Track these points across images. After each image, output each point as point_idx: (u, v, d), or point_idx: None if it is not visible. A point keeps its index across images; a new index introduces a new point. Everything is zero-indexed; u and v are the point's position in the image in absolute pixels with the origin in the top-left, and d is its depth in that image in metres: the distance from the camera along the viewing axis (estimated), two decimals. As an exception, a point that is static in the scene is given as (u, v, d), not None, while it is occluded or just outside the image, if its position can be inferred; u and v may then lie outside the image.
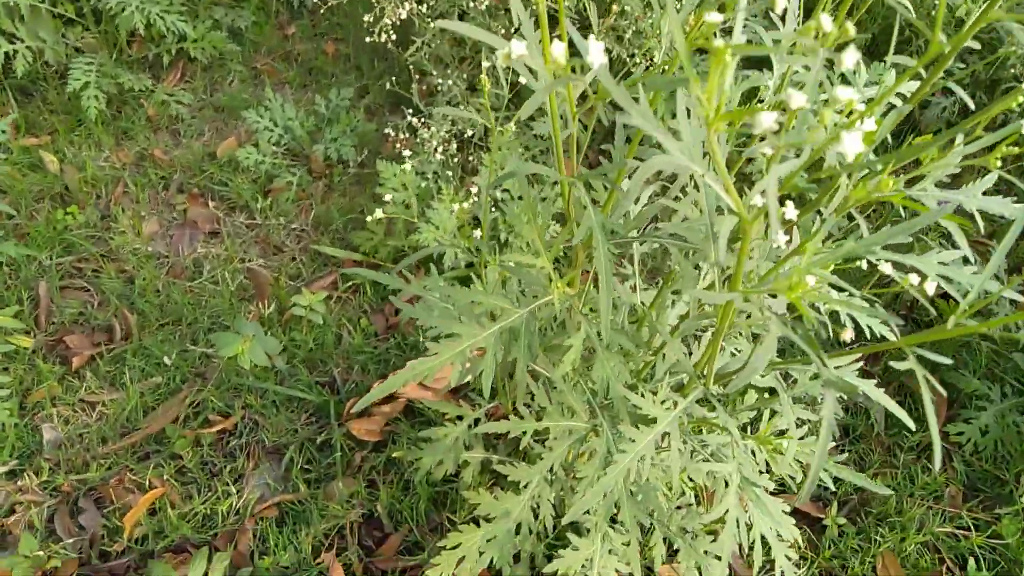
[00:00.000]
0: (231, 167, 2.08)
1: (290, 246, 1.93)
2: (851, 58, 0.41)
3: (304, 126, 2.14)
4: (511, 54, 0.47)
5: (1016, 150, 0.59)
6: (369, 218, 1.34)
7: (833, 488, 1.47)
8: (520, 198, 1.76)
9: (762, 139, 0.71)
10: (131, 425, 1.56)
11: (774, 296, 0.49)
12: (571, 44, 0.58)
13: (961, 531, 1.40)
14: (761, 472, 0.94)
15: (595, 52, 0.44)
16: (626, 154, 0.71)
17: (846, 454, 1.50)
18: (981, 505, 1.45)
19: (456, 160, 1.95)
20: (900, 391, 1.60)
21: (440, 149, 1.83)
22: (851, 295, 0.88)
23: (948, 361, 0.56)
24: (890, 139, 1.95)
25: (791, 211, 0.50)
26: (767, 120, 0.39)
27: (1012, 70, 1.92)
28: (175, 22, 2.15)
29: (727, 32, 0.67)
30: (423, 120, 1.95)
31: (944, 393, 1.60)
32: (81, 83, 2.10)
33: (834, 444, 1.51)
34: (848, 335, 0.61)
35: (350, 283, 1.83)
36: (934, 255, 0.64)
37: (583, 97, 0.62)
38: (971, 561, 1.35)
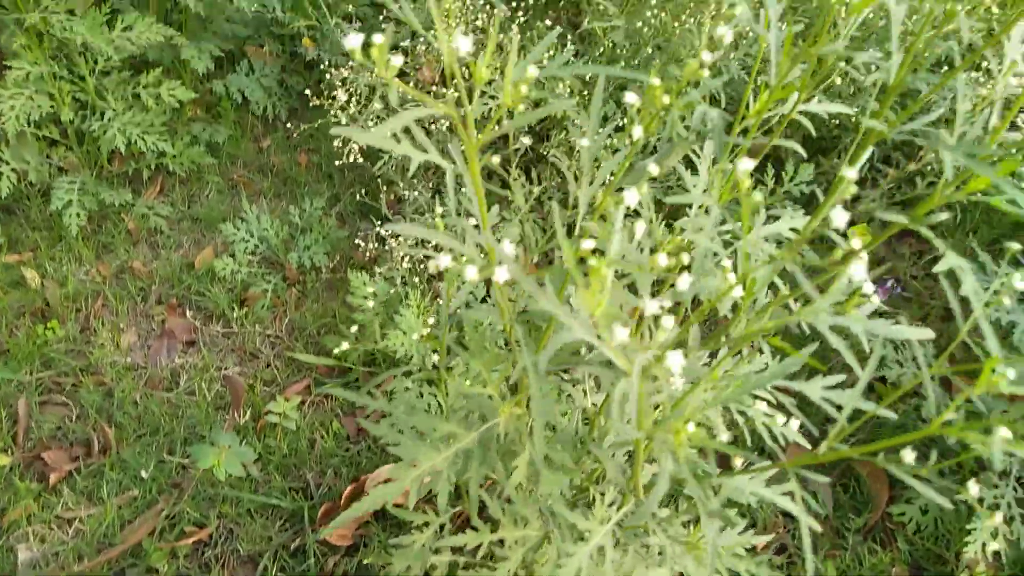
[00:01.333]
0: (208, 277, 2.18)
1: (265, 352, 2.01)
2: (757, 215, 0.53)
3: (279, 235, 2.26)
4: (440, 266, 0.58)
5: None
6: (345, 341, 1.43)
7: None
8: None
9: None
10: (108, 540, 1.59)
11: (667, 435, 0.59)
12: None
13: (910, 610, 1.48)
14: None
15: (507, 248, 0.55)
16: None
17: (795, 539, 1.58)
18: (927, 583, 1.53)
19: (422, 266, 2.07)
20: (845, 474, 1.70)
21: (407, 258, 1.95)
22: (775, 403, 0.99)
23: (826, 480, 0.66)
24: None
25: (677, 360, 0.59)
26: (652, 307, 0.50)
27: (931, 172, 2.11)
28: (155, 142, 2.29)
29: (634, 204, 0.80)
30: (390, 230, 2.08)
31: (886, 477, 1.70)
32: (64, 202, 2.20)
33: (785, 528, 1.60)
34: (738, 462, 0.71)
35: (323, 387, 1.90)
36: (818, 380, 0.76)
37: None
38: (920, 640, 1.42)
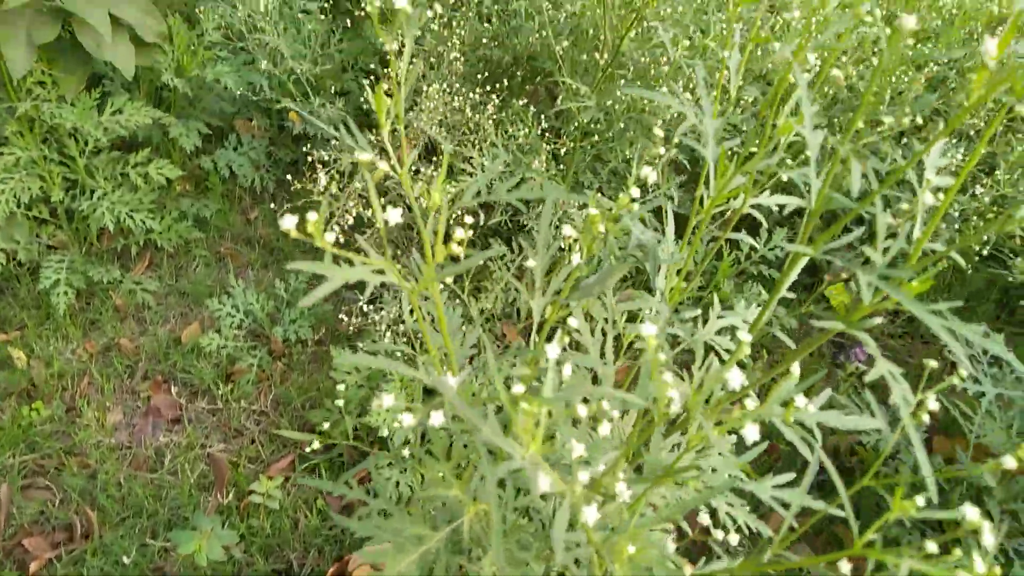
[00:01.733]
0: (194, 353, 2.20)
1: (250, 428, 2.02)
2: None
3: (264, 309, 2.29)
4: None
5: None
6: (326, 425, 1.45)
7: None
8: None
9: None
10: (87, 630, 1.57)
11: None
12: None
13: None
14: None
15: (452, 382, 0.58)
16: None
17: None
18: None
19: (406, 340, 2.10)
20: (831, 541, 1.70)
21: (389, 333, 1.98)
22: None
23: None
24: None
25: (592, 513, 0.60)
26: (579, 449, 0.53)
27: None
28: (144, 219, 2.33)
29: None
30: (372, 301, 2.11)
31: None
32: (52, 280, 2.23)
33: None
34: (689, 571, 0.72)
35: (307, 464, 1.91)
36: (768, 479, 0.78)
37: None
38: None
